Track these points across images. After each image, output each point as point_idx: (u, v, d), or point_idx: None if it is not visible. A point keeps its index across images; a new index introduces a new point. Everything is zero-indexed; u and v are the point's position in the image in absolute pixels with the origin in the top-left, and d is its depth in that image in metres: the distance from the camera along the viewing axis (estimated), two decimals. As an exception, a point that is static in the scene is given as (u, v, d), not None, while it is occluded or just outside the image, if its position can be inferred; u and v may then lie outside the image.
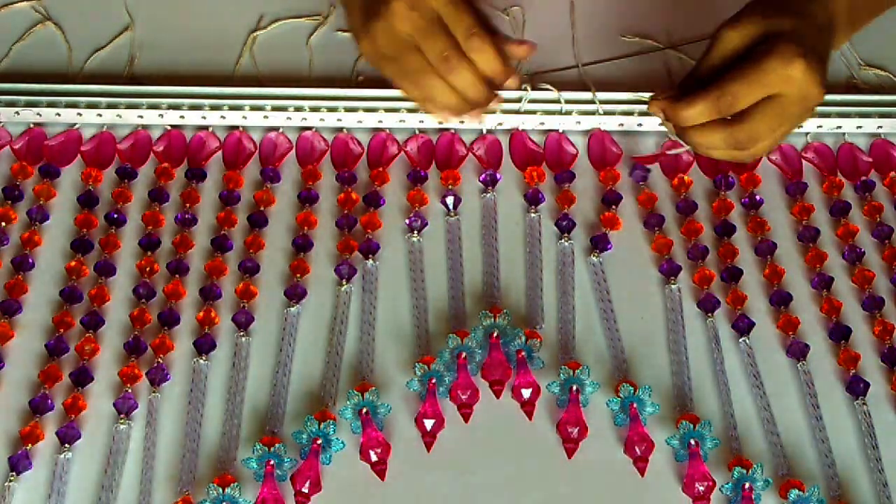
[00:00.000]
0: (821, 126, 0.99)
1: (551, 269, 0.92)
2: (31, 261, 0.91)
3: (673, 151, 0.96)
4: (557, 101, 0.99)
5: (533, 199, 0.95)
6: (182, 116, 0.99)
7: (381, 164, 0.98)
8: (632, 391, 0.83)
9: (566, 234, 0.94)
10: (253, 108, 0.98)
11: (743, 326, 0.88)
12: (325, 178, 0.97)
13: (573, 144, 0.99)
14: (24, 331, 0.88)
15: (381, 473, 0.81)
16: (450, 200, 0.95)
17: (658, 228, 0.94)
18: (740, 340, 0.88)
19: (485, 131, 0.99)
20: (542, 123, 0.99)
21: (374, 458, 0.81)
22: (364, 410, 0.82)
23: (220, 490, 0.79)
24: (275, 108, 0.98)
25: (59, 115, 0.98)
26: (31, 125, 0.99)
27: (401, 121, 0.99)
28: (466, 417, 0.83)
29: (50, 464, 0.81)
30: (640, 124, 0.99)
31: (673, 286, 0.91)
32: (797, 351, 0.87)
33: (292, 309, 0.89)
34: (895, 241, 0.94)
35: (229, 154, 0.98)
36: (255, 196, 0.96)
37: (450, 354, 0.85)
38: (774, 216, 0.95)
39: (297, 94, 1.00)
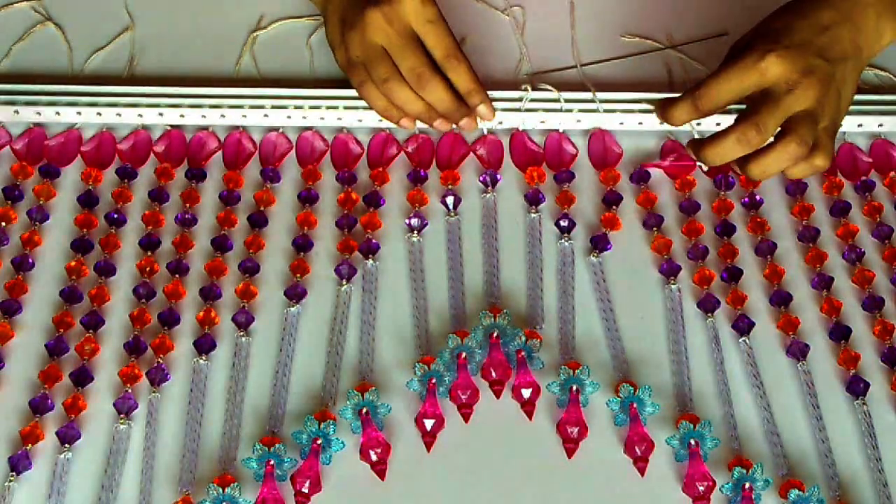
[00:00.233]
0: None
1: (552, 269, 0.92)
2: (31, 261, 0.91)
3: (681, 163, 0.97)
4: (557, 101, 0.99)
5: (533, 199, 0.95)
6: (182, 115, 0.99)
7: (381, 164, 0.98)
8: (632, 391, 0.83)
9: (566, 234, 0.94)
10: (253, 108, 0.98)
11: (743, 326, 0.88)
12: (325, 178, 0.97)
13: (573, 144, 0.99)
14: (24, 331, 0.88)
15: (381, 473, 0.81)
16: (450, 200, 0.95)
17: (658, 228, 0.94)
18: (740, 340, 0.88)
19: (485, 132, 0.99)
20: (543, 122, 1.00)
21: (374, 458, 0.81)
22: (364, 410, 0.82)
23: (220, 490, 0.79)
24: (275, 107, 0.99)
25: (58, 113, 0.98)
26: (32, 125, 0.99)
27: None
28: (466, 417, 0.83)
29: (50, 464, 0.81)
30: (640, 122, 0.99)
31: (673, 286, 0.91)
32: (797, 351, 0.87)
33: (292, 309, 0.89)
34: (895, 241, 0.94)
35: (229, 154, 0.98)
36: (255, 196, 0.96)
37: (450, 354, 0.85)
38: (774, 216, 0.95)
39: (297, 94, 1.00)
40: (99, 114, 0.99)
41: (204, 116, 0.99)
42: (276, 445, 0.81)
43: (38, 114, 0.99)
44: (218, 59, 1.05)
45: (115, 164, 0.98)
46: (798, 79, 0.85)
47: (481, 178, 0.97)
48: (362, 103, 0.98)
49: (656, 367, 0.87)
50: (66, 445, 0.82)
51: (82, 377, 0.85)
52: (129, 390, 0.84)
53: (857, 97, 1.00)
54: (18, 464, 0.80)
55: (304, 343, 0.88)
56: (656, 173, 0.98)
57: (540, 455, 0.83)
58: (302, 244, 0.93)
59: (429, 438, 0.82)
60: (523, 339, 0.86)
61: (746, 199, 0.96)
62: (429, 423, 0.82)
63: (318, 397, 0.85)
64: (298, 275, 0.91)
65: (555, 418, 0.84)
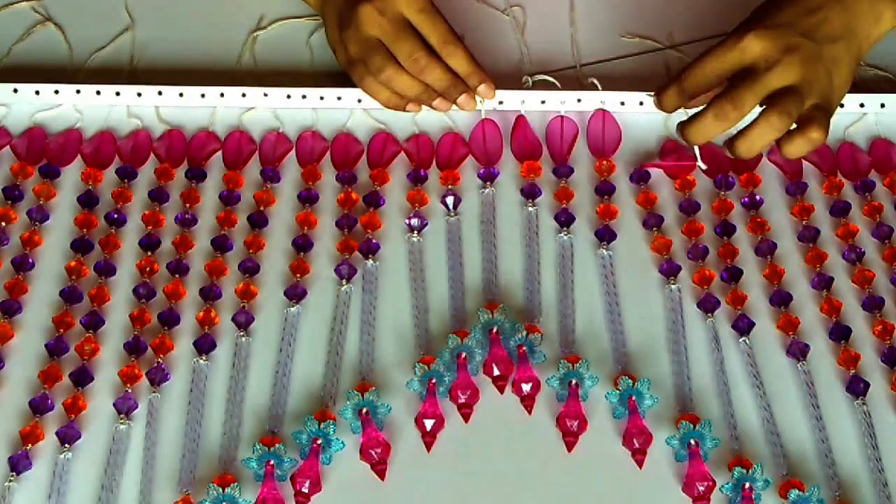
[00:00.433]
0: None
1: (551, 263, 0.92)
2: (31, 261, 0.91)
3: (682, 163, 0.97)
4: (557, 88, 1.01)
5: (530, 193, 0.96)
6: (181, 94, 1.00)
7: (381, 164, 0.98)
8: (630, 384, 0.83)
9: (566, 228, 0.94)
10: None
11: (743, 326, 0.88)
12: (325, 178, 0.97)
13: (575, 125, 1.00)
14: (24, 331, 0.88)
15: (381, 473, 0.81)
16: (450, 200, 0.95)
17: (658, 228, 0.94)
18: (740, 340, 0.88)
19: (483, 114, 0.99)
20: (544, 102, 1.00)
21: (374, 458, 0.81)
22: (364, 410, 0.82)
23: (220, 490, 0.79)
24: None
25: (57, 92, 0.99)
26: (32, 125, 0.99)
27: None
28: (466, 417, 0.83)
29: (50, 464, 0.81)
30: (641, 103, 0.99)
31: (673, 286, 0.91)
32: (797, 351, 0.87)
33: (292, 309, 0.89)
34: (895, 241, 0.94)
35: (229, 154, 0.98)
36: (255, 196, 0.96)
37: (450, 354, 0.85)
38: (774, 216, 0.95)
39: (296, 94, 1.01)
40: (98, 92, 0.99)
41: (203, 96, 0.99)
42: (276, 445, 0.81)
43: (37, 92, 0.99)
44: (218, 60, 1.05)
45: (115, 164, 0.98)
46: (778, 57, 0.86)
47: (480, 174, 0.97)
48: (363, 95, 0.99)
49: (656, 367, 0.87)
50: (66, 445, 0.82)
51: (82, 377, 0.85)
52: (129, 390, 0.84)
53: (858, 96, 1.01)
54: (18, 464, 0.80)
55: (304, 343, 0.88)
56: (656, 173, 0.98)
57: (540, 450, 0.83)
58: (302, 244, 0.93)
59: (429, 438, 0.82)
60: (524, 333, 0.86)
61: (746, 199, 0.96)
62: (429, 423, 0.82)
63: (318, 397, 0.85)
64: (298, 275, 0.91)
65: (554, 412, 0.84)
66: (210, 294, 0.89)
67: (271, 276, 0.91)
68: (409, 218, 0.94)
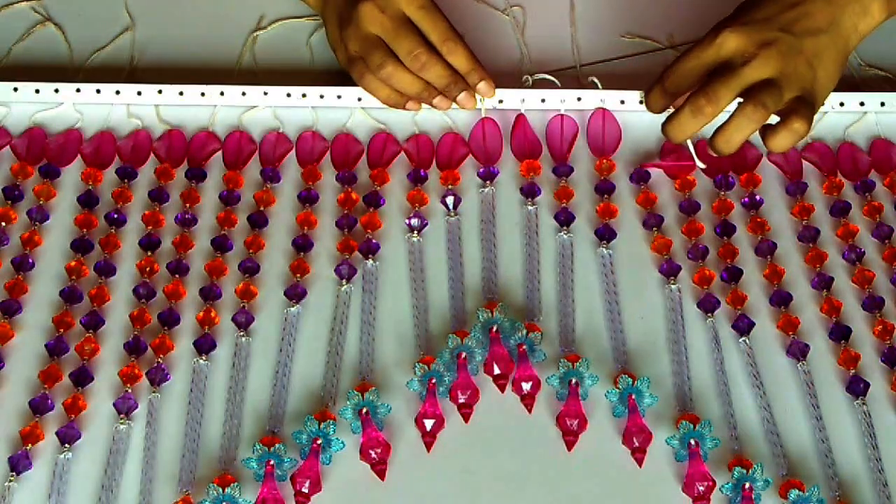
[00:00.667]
0: (826, 112, 1.00)
1: (550, 262, 0.92)
2: (31, 261, 0.91)
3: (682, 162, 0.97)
4: (557, 87, 1.01)
5: (529, 192, 0.96)
6: (181, 93, 1.00)
7: (381, 164, 0.98)
8: (630, 382, 0.83)
9: (565, 227, 0.94)
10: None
11: (743, 326, 0.88)
12: (325, 178, 0.97)
13: (575, 124, 1.00)
14: (24, 331, 0.88)
15: (381, 473, 0.81)
16: (450, 200, 0.95)
17: (658, 228, 0.94)
18: (740, 340, 0.88)
19: (483, 113, 0.99)
20: (544, 101, 1.00)
21: (374, 458, 0.81)
22: (364, 410, 0.82)
23: (220, 490, 0.79)
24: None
25: (57, 90, 1.00)
26: (32, 125, 0.99)
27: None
28: (466, 417, 0.83)
29: (50, 464, 0.81)
30: (641, 101, 0.99)
31: (673, 286, 0.91)
32: (797, 351, 0.87)
33: (292, 309, 0.89)
34: (895, 241, 0.94)
35: (229, 154, 0.98)
36: (255, 196, 0.96)
37: (450, 354, 0.85)
38: (774, 216, 0.95)
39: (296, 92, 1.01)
40: (98, 91, 0.99)
41: (203, 94, 0.99)
42: (276, 445, 0.81)
43: (37, 91, 0.99)
44: (218, 59, 1.05)
45: (115, 164, 0.98)
46: (754, 51, 0.87)
47: (479, 173, 0.97)
48: (364, 93, 0.99)
49: (656, 367, 0.87)
50: (66, 445, 0.82)
51: (82, 377, 0.85)
52: (129, 390, 0.84)
53: (858, 95, 1.01)
54: (18, 464, 0.80)
55: (304, 343, 0.88)
56: (656, 173, 0.98)
57: (540, 450, 0.83)
58: (302, 244, 0.93)
59: (429, 438, 0.82)
60: (524, 332, 0.86)
61: (746, 199, 0.96)
62: (429, 423, 0.82)
63: (318, 397, 0.85)
64: (298, 275, 0.91)
65: (554, 411, 0.84)
66: (210, 294, 0.89)
67: (271, 276, 0.91)
68: (409, 218, 0.94)
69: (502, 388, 0.84)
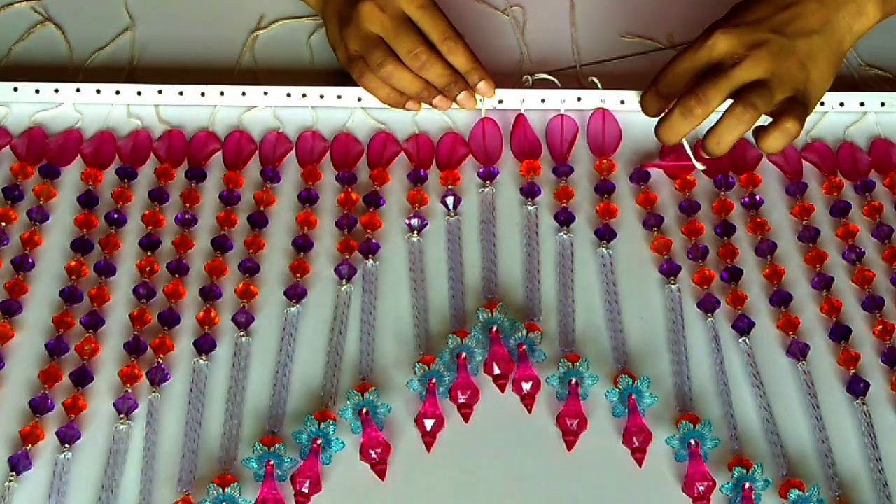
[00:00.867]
0: (826, 112, 1.01)
1: (550, 262, 0.92)
2: (31, 261, 0.91)
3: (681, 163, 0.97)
4: (556, 87, 1.01)
5: (529, 192, 0.96)
6: (181, 93, 1.00)
7: (381, 164, 0.98)
8: (630, 382, 0.83)
9: (565, 227, 0.94)
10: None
11: (743, 326, 0.88)
12: (325, 178, 0.97)
13: (575, 124, 1.00)
14: (24, 331, 0.88)
15: (381, 473, 0.81)
16: (450, 200, 0.95)
17: (658, 228, 0.94)
18: (740, 340, 0.88)
19: (483, 112, 0.99)
20: (544, 101, 1.00)
21: (374, 458, 0.81)
22: (364, 410, 0.82)
23: (220, 490, 0.79)
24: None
25: (57, 91, 1.00)
26: (32, 125, 0.99)
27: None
28: (466, 417, 0.83)
29: (50, 464, 0.81)
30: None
31: (673, 286, 0.91)
32: (797, 351, 0.87)
33: (292, 309, 0.89)
34: (895, 241, 0.94)
35: (229, 154, 0.98)
36: (255, 196, 0.96)
37: (450, 354, 0.85)
38: (774, 216, 0.95)
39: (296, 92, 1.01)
40: (98, 91, 0.99)
41: (203, 94, 0.99)
42: (276, 445, 0.81)
43: (37, 91, 0.99)
44: (218, 59, 1.05)
45: (115, 164, 0.98)
46: (745, 52, 0.87)
47: (479, 173, 0.97)
48: (364, 93, 0.99)
49: (656, 367, 0.87)
50: (66, 445, 0.82)
51: (82, 377, 0.85)
52: (129, 390, 0.84)
53: (858, 95, 1.01)
54: (18, 464, 0.80)
55: (304, 343, 0.88)
56: (656, 173, 0.98)
57: (540, 450, 0.83)
58: (302, 244, 0.93)
59: (429, 438, 0.82)
60: (524, 332, 0.86)
61: (746, 199, 0.96)
62: (429, 423, 0.82)
63: (318, 397, 0.85)
64: (298, 275, 0.91)
65: (554, 411, 0.84)
66: (210, 294, 0.89)
67: (271, 276, 0.91)
68: (409, 218, 0.94)
69: (502, 388, 0.84)
